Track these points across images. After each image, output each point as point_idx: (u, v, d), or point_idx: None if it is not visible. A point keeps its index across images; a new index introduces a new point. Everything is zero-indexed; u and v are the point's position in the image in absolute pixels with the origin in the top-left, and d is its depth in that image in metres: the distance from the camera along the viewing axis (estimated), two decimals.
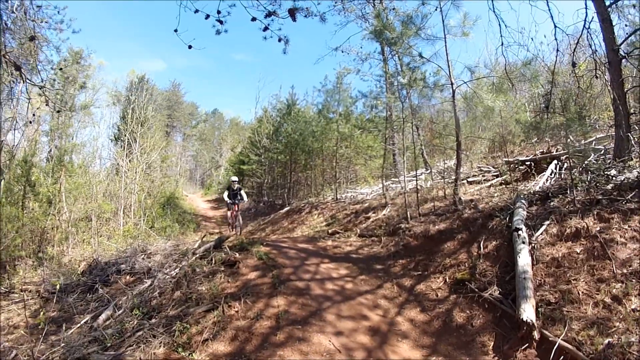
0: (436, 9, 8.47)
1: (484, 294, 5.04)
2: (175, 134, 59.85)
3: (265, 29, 5.73)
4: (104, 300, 6.29)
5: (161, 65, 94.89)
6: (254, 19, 5.66)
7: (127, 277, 7.24)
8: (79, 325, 5.43)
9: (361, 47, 17.88)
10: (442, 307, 5.31)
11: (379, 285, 6.18)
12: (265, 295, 5.47)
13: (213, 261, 6.75)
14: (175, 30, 5.49)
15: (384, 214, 10.10)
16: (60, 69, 20.40)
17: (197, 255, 7.10)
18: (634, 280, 4.13)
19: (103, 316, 5.54)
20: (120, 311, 5.57)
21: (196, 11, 5.50)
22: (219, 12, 5.68)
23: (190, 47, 5.69)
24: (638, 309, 3.84)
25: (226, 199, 12.86)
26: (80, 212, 13.99)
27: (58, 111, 17.08)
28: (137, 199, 17.84)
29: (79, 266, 9.34)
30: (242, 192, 12.95)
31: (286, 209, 17.92)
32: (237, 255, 6.89)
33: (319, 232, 10.91)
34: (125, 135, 19.53)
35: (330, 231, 10.35)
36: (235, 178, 13.46)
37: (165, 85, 58.89)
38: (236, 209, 12.75)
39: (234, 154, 39.37)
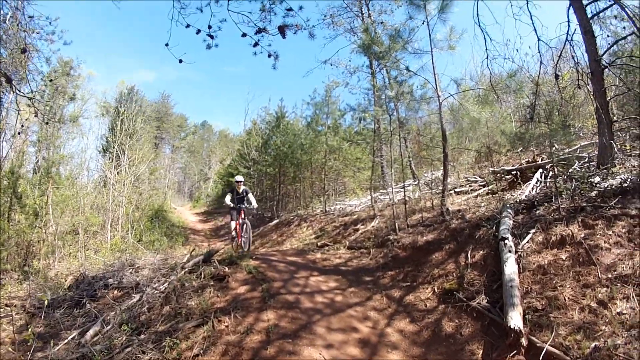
0: (423, 23, 8.62)
1: (472, 303, 5.07)
2: (164, 146, 59.54)
3: (256, 44, 5.79)
4: (91, 315, 6.20)
5: (151, 76, 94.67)
6: (244, 35, 5.72)
7: (115, 291, 7.15)
8: (66, 341, 5.36)
9: (350, 60, 18.18)
10: (431, 317, 5.32)
11: (368, 297, 6.18)
12: (255, 309, 5.46)
13: (202, 275, 6.71)
14: (167, 45, 5.54)
15: (373, 226, 10.14)
16: (50, 80, 20.38)
17: (186, 270, 7.06)
18: (618, 284, 4.20)
19: (91, 332, 5.47)
20: (109, 327, 5.51)
21: (187, 26, 5.56)
22: (209, 27, 5.74)
23: (180, 61, 5.74)
24: (623, 312, 3.90)
25: (229, 203, 10.39)
26: (67, 225, 13.89)
27: (47, 122, 16.99)
28: (125, 211, 17.73)
29: (66, 280, 9.25)
30: (250, 195, 10.57)
31: (275, 221, 17.94)
32: (227, 269, 6.86)
33: (308, 245, 10.91)
34: (113, 147, 19.53)
35: (319, 244, 10.35)
36: (240, 178, 10.91)
37: (155, 97, 58.83)
38: (242, 216, 10.30)
39: (222, 167, 39.46)
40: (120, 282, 7.35)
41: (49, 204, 13.09)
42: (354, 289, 6.50)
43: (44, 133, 22.27)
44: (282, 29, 5.71)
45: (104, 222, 16.17)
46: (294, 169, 20.16)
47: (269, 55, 5.94)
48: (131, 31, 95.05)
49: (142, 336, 5.04)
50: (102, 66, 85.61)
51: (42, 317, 6.52)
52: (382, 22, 16.91)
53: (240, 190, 10.48)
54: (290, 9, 5.89)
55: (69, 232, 13.92)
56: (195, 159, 61.46)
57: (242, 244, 10.19)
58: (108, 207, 16.73)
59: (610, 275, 4.37)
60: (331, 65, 18.17)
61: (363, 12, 17.84)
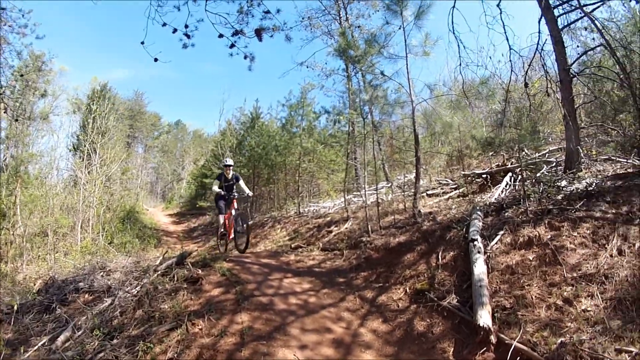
0: (400, 28, 8.73)
1: (443, 302, 5.19)
2: (137, 145, 58.48)
3: (232, 46, 5.83)
4: (62, 320, 6.02)
5: (126, 74, 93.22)
6: (221, 36, 5.75)
7: (86, 295, 6.98)
8: (36, 347, 5.21)
9: (326, 63, 18.15)
10: (404, 316, 5.41)
11: (341, 298, 6.22)
12: (229, 311, 5.43)
13: (175, 278, 6.62)
14: (142, 43, 5.51)
15: (346, 228, 10.19)
16: (21, 74, 19.80)
17: (159, 272, 6.94)
18: (583, 283, 4.40)
19: (62, 338, 5.33)
20: (80, 332, 5.38)
21: (164, 24, 5.55)
22: (186, 26, 5.75)
23: (156, 60, 5.72)
24: (588, 309, 4.08)
25: (218, 191, 9.37)
26: (35, 226, 13.52)
27: (16, 119, 16.56)
28: (96, 212, 17.31)
29: (35, 284, 9.03)
30: (242, 182, 9.56)
31: (249, 222, 17.75)
32: (200, 271, 6.80)
33: (282, 247, 10.88)
34: (84, 146, 19.07)
35: (293, 245, 10.34)
36: (229, 161, 9.76)
37: (129, 94, 57.55)
38: (235, 206, 9.32)
39: (196, 167, 38.97)
40: (91, 286, 7.17)
41: (16, 204, 12.76)
42: (328, 290, 6.54)
43: (12, 130, 21.65)
44: (258, 32, 5.75)
45: (74, 224, 15.79)
46: (268, 170, 20.00)
47: (245, 57, 5.99)
48: (106, 27, 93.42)
49: (115, 341, 4.96)
50: (74, 62, 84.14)
51: (11, 323, 6.35)
52: (359, 26, 17.12)
53: (230, 176, 9.47)
54: (267, 12, 5.94)
55: (37, 234, 13.55)
56: (168, 159, 60.58)
57: (237, 243, 9.30)
58: (78, 208, 16.35)
59: (575, 275, 4.56)
60: (307, 67, 18.23)
61: (341, 15, 17.95)
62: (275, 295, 6.15)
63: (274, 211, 17.96)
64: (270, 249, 11.28)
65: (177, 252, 8.78)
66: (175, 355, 4.53)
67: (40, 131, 26.85)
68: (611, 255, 4.63)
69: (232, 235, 9.39)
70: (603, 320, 3.87)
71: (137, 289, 6.33)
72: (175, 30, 5.62)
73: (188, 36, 5.82)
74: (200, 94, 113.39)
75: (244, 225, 9.10)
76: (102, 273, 7.58)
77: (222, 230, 9.62)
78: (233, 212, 9.29)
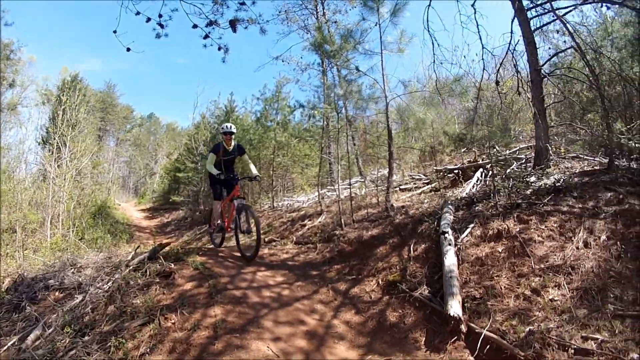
0: (376, 25, 8.83)
1: (414, 293, 5.28)
2: (108, 139, 57.25)
3: (206, 37, 5.78)
4: (31, 319, 5.85)
5: (98, 65, 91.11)
6: (195, 26, 5.69)
7: (57, 293, 6.81)
8: (5, 347, 5.07)
9: (301, 58, 18.12)
10: (376, 308, 5.47)
11: (315, 291, 6.25)
12: (202, 305, 5.38)
13: (148, 273, 6.49)
14: (114, 32, 5.41)
15: (320, 222, 10.22)
16: None
17: (131, 268, 6.81)
18: (550, 273, 4.57)
19: (32, 336, 5.20)
20: (51, 330, 5.26)
21: (137, 13, 5.47)
22: (160, 15, 5.67)
23: (128, 49, 5.64)
24: (555, 299, 4.24)
25: (213, 172, 7.38)
26: (3, 222, 13.16)
27: None
28: (66, 208, 16.93)
29: (3, 283, 8.79)
30: (247, 156, 8.12)
31: (258, 218, 17.61)
32: (173, 265, 6.71)
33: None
34: (54, 139, 18.61)
35: (266, 239, 10.30)
36: (231, 127, 7.64)
37: (100, 86, 55.93)
38: (238, 193, 7.54)
39: (169, 161, 38.40)
40: (61, 283, 7.00)
41: None
42: (301, 283, 6.56)
43: None
44: (233, 23, 5.72)
45: (44, 219, 15.41)
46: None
47: (219, 48, 5.95)
48: (77, 16, 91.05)
49: (87, 337, 4.85)
50: (44, 51, 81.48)
51: None
52: (335, 22, 17.11)
53: (231, 148, 7.55)
54: (243, 3, 5.91)
55: (5, 230, 13.20)
56: (141, 152, 59.41)
57: (239, 245, 7.60)
58: (48, 203, 15.95)
59: (542, 266, 4.73)
60: (283, 61, 18.13)
61: (318, 10, 17.93)
62: (248, 288, 6.13)
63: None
64: (244, 242, 11.24)
65: (150, 247, 8.68)
66: (148, 351, 4.47)
67: (8, 123, 26.15)
68: (577, 248, 4.82)
69: (232, 231, 7.64)
70: (570, 309, 4.02)
71: (108, 284, 6.22)
72: (148, 20, 5.55)
73: (162, 26, 5.75)
74: (174, 88, 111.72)
75: (250, 222, 7.27)
76: (72, 270, 7.40)
77: (219, 221, 7.82)
78: (236, 202, 7.28)
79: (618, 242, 4.68)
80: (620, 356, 3.33)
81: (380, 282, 6.07)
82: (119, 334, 4.79)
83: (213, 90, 66.03)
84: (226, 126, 7.54)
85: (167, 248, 8.69)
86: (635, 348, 3.37)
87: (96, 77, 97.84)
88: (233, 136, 7.60)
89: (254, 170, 7.74)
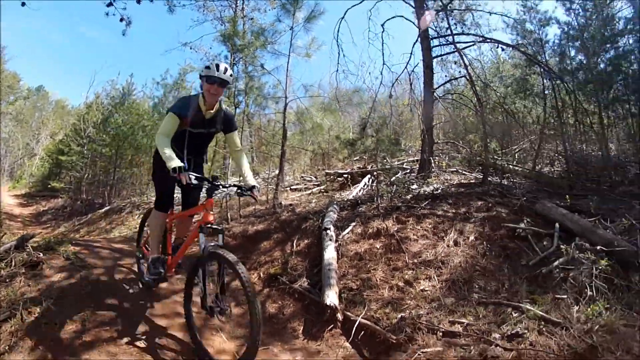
0: (290, 29, 9.18)
1: (294, 285, 5.40)
2: None
3: (110, 4, 5.48)
4: None
5: None
6: None
7: None
8: None
9: (211, 48, 17.68)
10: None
11: (195, 283, 6.15)
12: (72, 298, 5.06)
13: (13, 263, 5.96)
14: None
15: None
16: None
17: None
18: (422, 267, 4.99)
19: None
20: None
21: None
22: None
23: (23, 4, 5.20)
24: (426, 289, 4.63)
25: (165, 157, 3.67)
26: None
27: None
28: None
29: None
30: (238, 141, 4.58)
31: (106, 208, 16.79)
32: (42, 255, 6.17)
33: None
34: None
35: None
36: (226, 70, 3.88)
37: None
38: (209, 214, 4.12)
39: (53, 142, 35.21)
40: None
41: None
42: (181, 276, 6.37)
43: None
44: None
45: None
46: (132, 152, 18.92)
47: (122, 20, 5.69)
48: None
49: None
50: None
51: None
52: (252, 19, 16.97)
53: (212, 114, 4.19)
54: None
55: None
56: (22, 130, 52.75)
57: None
58: None
59: (416, 261, 5.14)
60: (191, 49, 17.66)
61: (237, 5, 17.72)
62: (124, 280, 5.85)
63: (134, 197, 17.10)
64: (125, 234, 10.74)
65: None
66: (8, 349, 4.05)
67: None
68: (448, 246, 5.33)
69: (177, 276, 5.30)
70: (439, 298, 4.42)
71: None
72: None
73: None
74: (75, 61, 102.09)
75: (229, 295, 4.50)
76: None
77: (155, 253, 4.89)
78: (202, 239, 4.12)
79: (484, 242, 5.25)
80: (484, 337, 3.69)
81: (261, 275, 6.11)
82: None
83: (113, 69, 61.73)
84: (215, 66, 3.88)
85: (37, 237, 8.02)
86: (497, 329, 3.76)
87: None
88: (223, 91, 4.18)
89: (249, 176, 4.42)
